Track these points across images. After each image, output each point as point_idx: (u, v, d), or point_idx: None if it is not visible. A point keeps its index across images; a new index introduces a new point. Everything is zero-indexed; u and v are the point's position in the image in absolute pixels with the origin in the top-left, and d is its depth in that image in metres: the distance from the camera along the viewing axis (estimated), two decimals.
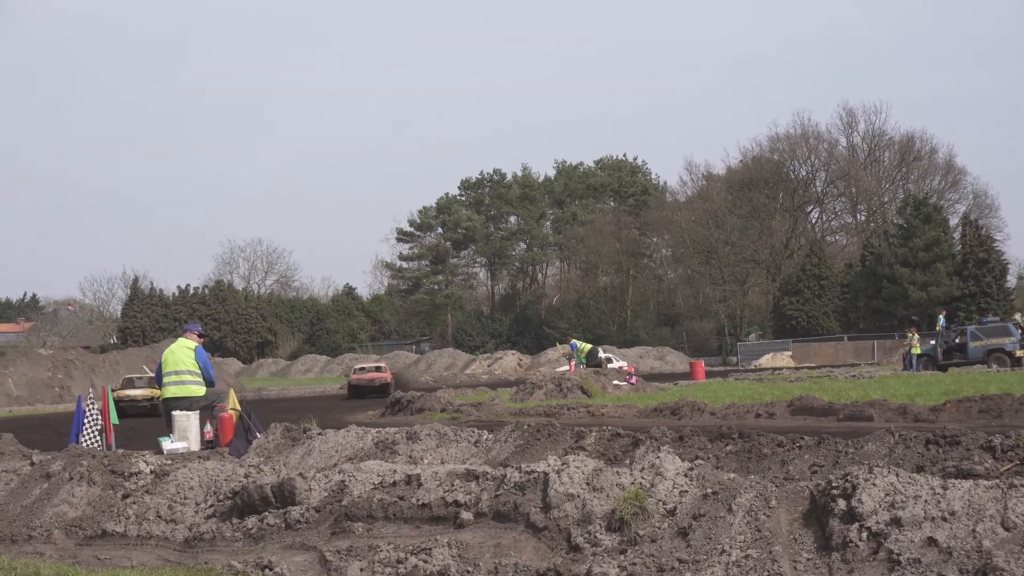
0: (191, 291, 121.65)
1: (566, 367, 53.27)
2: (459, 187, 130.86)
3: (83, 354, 70.07)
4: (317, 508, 10.17)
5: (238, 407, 17.72)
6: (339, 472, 10.64)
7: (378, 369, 57.50)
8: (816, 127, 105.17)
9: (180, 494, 11.52)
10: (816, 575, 7.49)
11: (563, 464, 9.45)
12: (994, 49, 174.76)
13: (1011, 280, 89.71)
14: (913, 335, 52.12)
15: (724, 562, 7.74)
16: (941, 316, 59.86)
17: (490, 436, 13.93)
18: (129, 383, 46.86)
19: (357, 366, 61.84)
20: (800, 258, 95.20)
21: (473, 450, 13.58)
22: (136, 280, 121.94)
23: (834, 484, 8.15)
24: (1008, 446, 10.18)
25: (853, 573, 7.31)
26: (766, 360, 78.88)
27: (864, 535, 7.52)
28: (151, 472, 12.31)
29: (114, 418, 18.38)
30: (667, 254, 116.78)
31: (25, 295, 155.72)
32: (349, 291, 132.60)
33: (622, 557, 8.20)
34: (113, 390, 39.60)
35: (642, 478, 8.99)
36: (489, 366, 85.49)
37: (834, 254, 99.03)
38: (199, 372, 17.72)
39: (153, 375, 39.69)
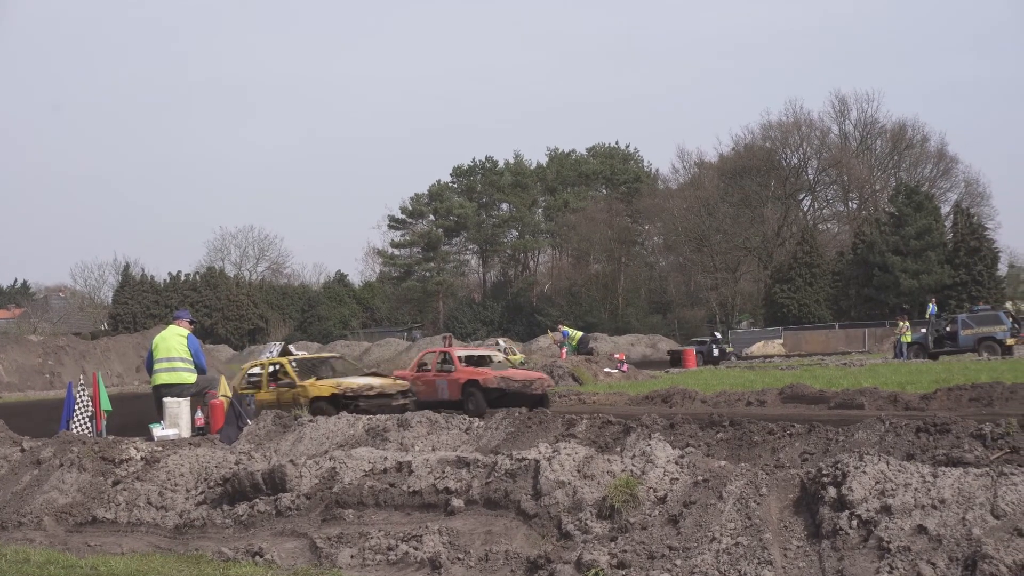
0: (182, 278, 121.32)
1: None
2: (451, 174, 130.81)
3: (74, 340, 69.89)
4: (308, 495, 10.17)
5: (229, 394, 17.75)
6: (330, 459, 10.65)
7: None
8: (808, 115, 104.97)
9: (171, 481, 11.52)
10: (806, 562, 7.50)
11: (554, 451, 9.46)
12: (986, 37, 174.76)
13: (1002, 268, 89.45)
14: (904, 323, 52.16)
15: (714, 549, 7.75)
16: (931, 304, 59.89)
17: (481, 423, 13.96)
18: None
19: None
20: (792, 246, 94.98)
21: (464, 437, 13.60)
22: (127, 266, 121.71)
23: (824, 472, 8.16)
24: (998, 434, 10.21)
25: (843, 560, 7.32)
26: (757, 348, 78.95)
27: (854, 523, 7.53)
28: (141, 459, 12.32)
29: (105, 404, 18.39)
30: (659, 242, 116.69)
31: (16, 281, 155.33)
32: (341, 278, 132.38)
33: (612, 544, 8.22)
34: None
35: (633, 465, 9.01)
36: None
37: (826, 242, 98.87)
38: (191, 359, 17.75)
39: None
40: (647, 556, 7.95)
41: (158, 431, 16.59)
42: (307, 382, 25.26)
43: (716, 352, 62.31)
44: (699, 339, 69.95)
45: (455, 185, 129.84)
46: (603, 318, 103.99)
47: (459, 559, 8.66)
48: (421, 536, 9.00)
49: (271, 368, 26.95)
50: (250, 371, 28.42)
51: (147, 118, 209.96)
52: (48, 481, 12.36)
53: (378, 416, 14.76)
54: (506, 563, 8.47)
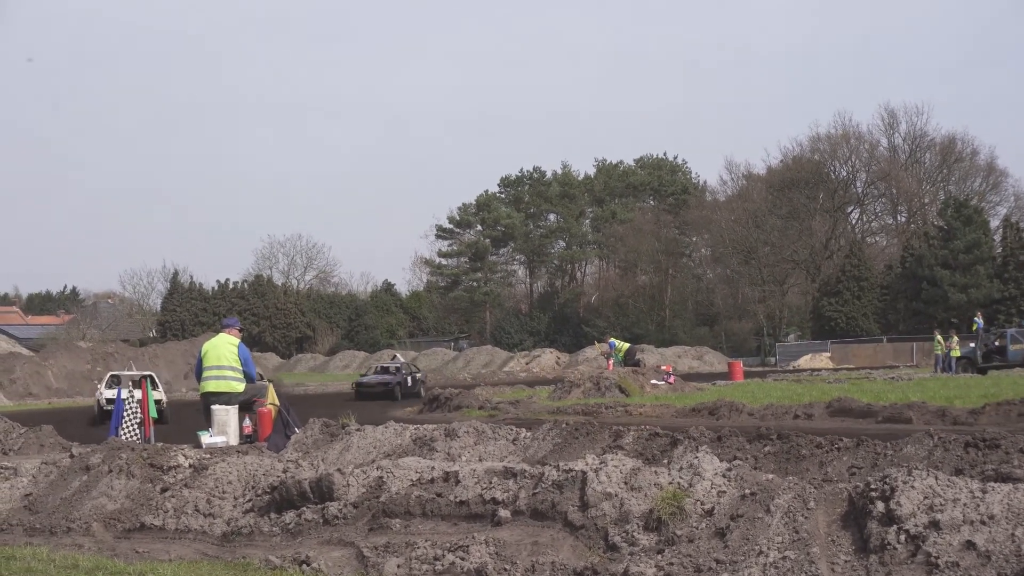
0: (230, 285, 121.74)
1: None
2: (499, 184, 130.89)
3: (122, 347, 70.33)
4: (355, 504, 10.18)
5: (277, 402, 17.77)
6: (377, 468, 10.66)
7: None
8: (857, 127, 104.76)
9: (218, 488, 11.56)
10: None
11: (601, 463, 9.44)
12: None
13: None
14: (952, 337, 51.74)
15: (762, 563, 7.73)
16: (978, 317, 59.61)
17: (528, 434, 13.96)
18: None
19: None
20: (840, 259, 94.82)
21: (511, 448, 13.60)
22: (176, 274, 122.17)
23: (872, 486, 8.13)
24: None
25: (891, 575, 7.29)
26: (804, 361, 78.81)
27: (902, 537, 7.50)
28: (190, 466, 12.36)
29: (153, 412, 18.48)
30: (706, 253, 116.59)
31: (65, 288, 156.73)
32: (388, 287, 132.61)
33: (659, 557, 8.20)
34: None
35: (680, 478, 8.99)
36: (527, 364, 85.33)
37: (874, 255, 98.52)
38: (240, 368, 17.75)
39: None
40: (694, 569, 7.94)
41: (206, 438, 16.64)
42: None
43: (410, 383, 50.92)
44: (383, 366, 55.63)
45: (503, 195, 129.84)
46: (650, 330, 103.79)
47: (505, 570, 8.66)
48: (468, 546, 9.00)
49: None
50: None
51: (196, 126, 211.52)
52: (97, 487, 12.41)
53: (425, 426, 14.78)
54: (552, 574, 8.46)
